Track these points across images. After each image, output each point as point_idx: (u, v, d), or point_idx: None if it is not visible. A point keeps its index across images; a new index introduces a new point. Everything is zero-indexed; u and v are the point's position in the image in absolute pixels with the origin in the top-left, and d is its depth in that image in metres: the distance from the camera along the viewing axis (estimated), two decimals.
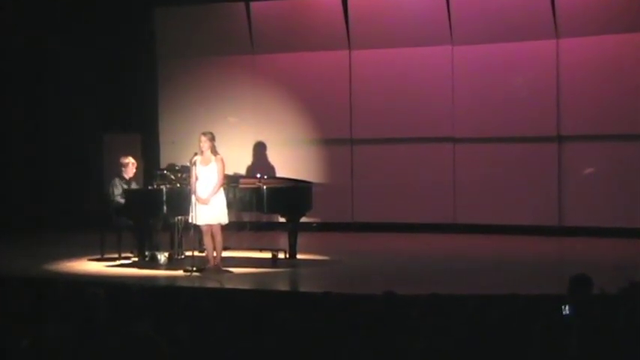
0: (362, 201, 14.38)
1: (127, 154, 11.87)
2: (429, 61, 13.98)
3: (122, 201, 11.40)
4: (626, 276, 7.10)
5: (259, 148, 14.68)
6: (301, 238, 11.35)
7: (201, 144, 10.35)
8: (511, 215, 13.49)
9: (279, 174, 13.93)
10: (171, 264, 10.94)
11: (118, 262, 11.15)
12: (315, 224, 13.85)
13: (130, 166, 11.67)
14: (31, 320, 5.28)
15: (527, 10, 13.34)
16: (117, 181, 11.59)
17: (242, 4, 14.74)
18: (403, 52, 14.09)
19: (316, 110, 14.52)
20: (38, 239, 13.62)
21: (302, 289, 10.00)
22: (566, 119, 13.32)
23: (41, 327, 4.81)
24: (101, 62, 15.23)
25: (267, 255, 11.13)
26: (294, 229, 11.24)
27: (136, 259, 11.22)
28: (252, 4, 14.68)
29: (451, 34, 13.79)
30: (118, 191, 11.48)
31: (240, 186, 11.20)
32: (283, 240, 11.39)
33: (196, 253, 10.71)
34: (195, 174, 10.26)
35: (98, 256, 11.36)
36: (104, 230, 11.45)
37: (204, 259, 10.59)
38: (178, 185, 11.10)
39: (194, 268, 10.21)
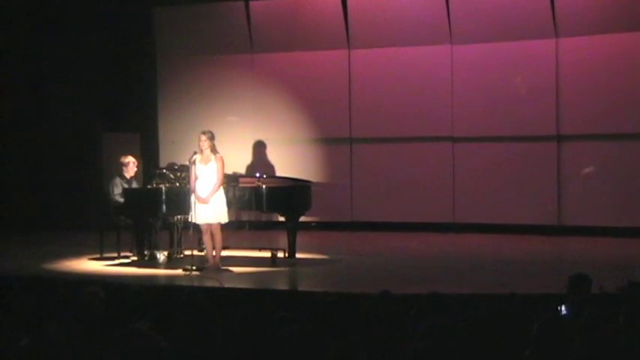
0: (361, 200, 14.39)
1: (126, 154, 11.87)
2: (429, 60, 13.98)
3: (122, 200, 11.40)
4: (627, 276, 7.12)
5: (259, 148, 14.68)
6: (300, 238, 11.34)
7: (201, 143, 10.35)
8: (510, 214, 13.50)
9: (278, 173, 13.95)
10: (170, 263, 10.95)
11: (117, 262, 11.16)
12: (314, 223, 13.86)
13: (131, 165, 11.66)
14: (30, 320, 5.28)
15: (527, 9, 13.34)
16: (118, 180, 11.57)
17: (241, 4, 14.73)
18: (403, 51, 14.10)
19: (315, 109, 14.52)
20: (37, 238, 13.62)
21: (301, 288, 10.00)
22: (566, 118, 13.32)
23: (41, 326, 4.81)
24: (100, 61, 15.23)
25: (267, 254, 11.13)
26: (293, 228, 11.24)
27: (135, 258, 11.21)
28: (251, 3, 14.68)
29: (450, 34, 13.79)
30: (118, 190, 11.47)
31: (240, 185, 11.20)
32: (282, 239, 11.39)
33: (195, 252, 10.71)
34: (195, 173, 10.26)
35: (97, 256, 11.36)
36: (103, 229, 11.46)
37: (204, 259, 10.60)
38: (177, 184, 11.10)
39: (193, 267, 10.21)
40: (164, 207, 10.90)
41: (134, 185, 11.67)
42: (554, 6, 13.20)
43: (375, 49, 14.25)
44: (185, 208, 10.44)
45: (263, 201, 11.05)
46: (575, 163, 13.36)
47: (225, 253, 10.72)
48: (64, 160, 15.20)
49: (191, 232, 10.44)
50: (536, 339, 4.44)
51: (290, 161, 14.33)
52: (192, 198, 10.18)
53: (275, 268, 10.78)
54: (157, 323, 5.00)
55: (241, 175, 11.96)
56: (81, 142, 15.29)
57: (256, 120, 14.82)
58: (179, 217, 11.10)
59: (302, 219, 11.60)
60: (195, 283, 9.63)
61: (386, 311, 5.34)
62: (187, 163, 10.43)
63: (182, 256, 11.15)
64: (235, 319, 5.01)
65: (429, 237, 13.43)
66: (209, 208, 10.25)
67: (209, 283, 9.46)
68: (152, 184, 11.30)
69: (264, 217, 13.95)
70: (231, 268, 10.45)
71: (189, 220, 10.35)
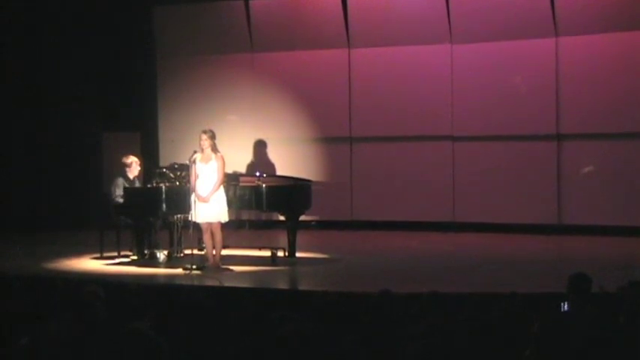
0: (361, 199, 14.38)
1: (127, 154, 11.84)
2: (429, 59, 13.98)
3: (122, 200, 11.38)
4: (627, 275, 7.12)
5: (259, 147, 14.68)
6: (300, 237, 11.35)
7: (202, 142, 10.35)
8: (510, 213, 13.49)
9: (278, 172, 13.95)
10: (170, 262, 10.95)
11: (117, 261, 11.16)
12: (314, 222, 13.86)
13: (134, 165, 11.63)
14: (30, 319, 5.28)
15: (527, 8, 13.34)
16: (120, 181, 11.51)
17: (241, 3, 14.73)
18: (402, 50, 14.09)
19: (315, 108, 14.52)
20: (37, 238, 13.62)
21: (301, 287, 10.00)
22: (566, 117, 13.32)
23: (41, 326, 4.81)
24: (100, 61, 15.21)
25: (267, 253, 11.13)
26: (293, 227, 11.25)
27: (135, 257, 11.21)
28: (251, 2, 14.68)
29: (450, 33, 13.79)
30: (119, 192, 11.40)
31: (240, 184, 11.20)
32: (282, 238, 11.39)
33: (195, 252, 10.71)
34: (195, 172, 10.26)
35: (97, 255, 11.36)
36: (103, 229, 11.46)
37: (204, 258, 10.60)
38: (177, 183, 11.10)
39: (193, 267, 10.21)
40: (164, 206, 10.89)
41: (137, 185, 11.65)
42: (554, 5, 13.20)
43: (375, 48, 14.24)
44: (185, 208, 10.44)
45: (263, 200, 11.05)
46: (575, 163, 13.35)
47: (225, 252, 10.72)
48: (64, 159, 15.19)
49: (191, 231, 10.44)
50: (536, 339, 4.43)
51: (290, 160, 14.32)
52: (193, 197, 10.18)
53: (275, 267, 10.79)
54: (156, 323, 5.00)
55: (241, 174, 11.96)
56: (81, 141, 15.28)
57: (256, 119, 14.82)
58: (179, 216, 11.09)
59: (302, 218, 11.61)
60: (195, 283, 9.64)
61: (386, 311, 5.34)
62: (187, 162, 10.43)
63: (182, 255, 11.15)
64: (235, 318, 5.02)
65: (429, 236, 13.42)
66: (209, 207, 10.24)
67: (209, 283, 9.46)
68: (152, 184, 11.30)
69: (264, 216, 13.95)
70: (231, 267, 10.45)
71: (190, 219, 10.34)
